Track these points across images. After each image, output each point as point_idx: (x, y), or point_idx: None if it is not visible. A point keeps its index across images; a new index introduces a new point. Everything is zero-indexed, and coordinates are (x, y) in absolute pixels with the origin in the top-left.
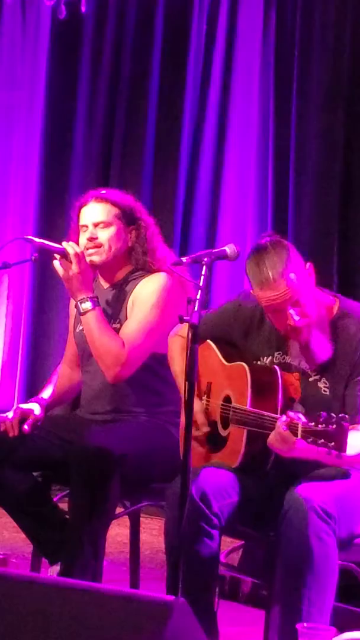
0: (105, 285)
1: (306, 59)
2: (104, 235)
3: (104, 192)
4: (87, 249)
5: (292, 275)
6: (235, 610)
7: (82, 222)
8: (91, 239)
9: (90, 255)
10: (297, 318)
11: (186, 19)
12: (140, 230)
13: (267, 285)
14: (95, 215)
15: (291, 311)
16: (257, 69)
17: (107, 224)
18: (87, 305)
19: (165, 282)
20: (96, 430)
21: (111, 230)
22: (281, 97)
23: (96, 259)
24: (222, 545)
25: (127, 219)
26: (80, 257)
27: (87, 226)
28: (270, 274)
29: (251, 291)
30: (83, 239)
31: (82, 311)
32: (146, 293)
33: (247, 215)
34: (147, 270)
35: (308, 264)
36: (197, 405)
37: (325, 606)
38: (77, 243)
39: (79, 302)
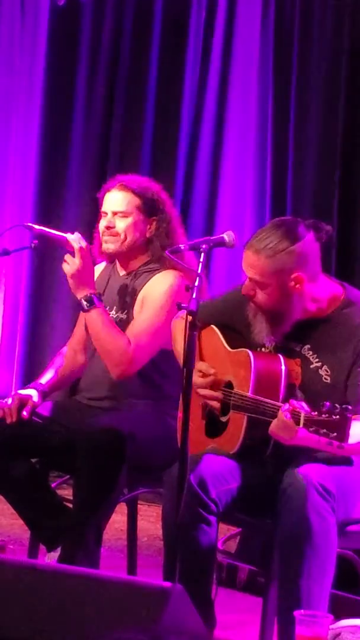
0: (121, 272)
1: (306, 47)
2: (122, 224)
3: (129, 180)
4: (104, 236)
5: (264, 263)
6: (233, 598)
7: (103, 207)
8: (108, 227)
9: (106, 242)
10: (247, 289)
11: (185, 7)
12: (161, 223)
13: (246, 249)
14: (115, 203)
15: (247, 282)
16: (256, 57)
17: (125, 214)
18: (90, 303)
19: (176, 282)
20: (100, 414)
21: (129, 221)
22: (280, 86)
23: (111, 247)
24: (220, 532)
25: (147, 210)
26: (84, 251)
27: (106, 213)
28: (253, 241)
29: None
30: (102, 225)
31: (86, 308)
32: (157, 292)
33: (246, 203)
34: (162, 264)
35: (298, 274)
36: (199, 362)
37: (325, 581)
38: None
39: (82, 299)
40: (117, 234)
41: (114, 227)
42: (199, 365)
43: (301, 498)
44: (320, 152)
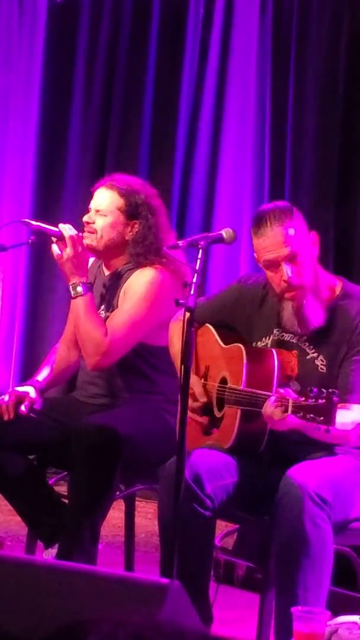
0: (106, 272)
1: (304, 41)
2: (100, 222)
3: (120, 179)
4: (84, 231)
5: (291, 231)
6: (230, 594)
7: (90, 203)
8: (87, 223)
9: (84, 237)
10: (289, 274)
11: (183, 3)
12: (142, 227)
13: (264, 233)
14: (99, 201)
15: (285, 266)
16: (254, 52)
17: (106, 213)
18: (79, 289)
19: (157, 276)
20: (95, 411)
21: (107, 220)
22: (278, 81)
23: (87, 242)
24: (217, 529)
25: (129, 212)
26: (75, 240)
27: (90, 209)
28: (269, 222)
29: (254, 248)
30: (84, 218)
31: (73, 295)
32: (136, 285)
33: (244, 199)
34: (138, 264)
35: (312, 233)
36: (194, 378)
37: (321, 591)
38: None
39: (70, 286)
40: (94, 231)
41: (92, 223)
42: (195, 385)
43: (297, 508)
44: (319, 147)
